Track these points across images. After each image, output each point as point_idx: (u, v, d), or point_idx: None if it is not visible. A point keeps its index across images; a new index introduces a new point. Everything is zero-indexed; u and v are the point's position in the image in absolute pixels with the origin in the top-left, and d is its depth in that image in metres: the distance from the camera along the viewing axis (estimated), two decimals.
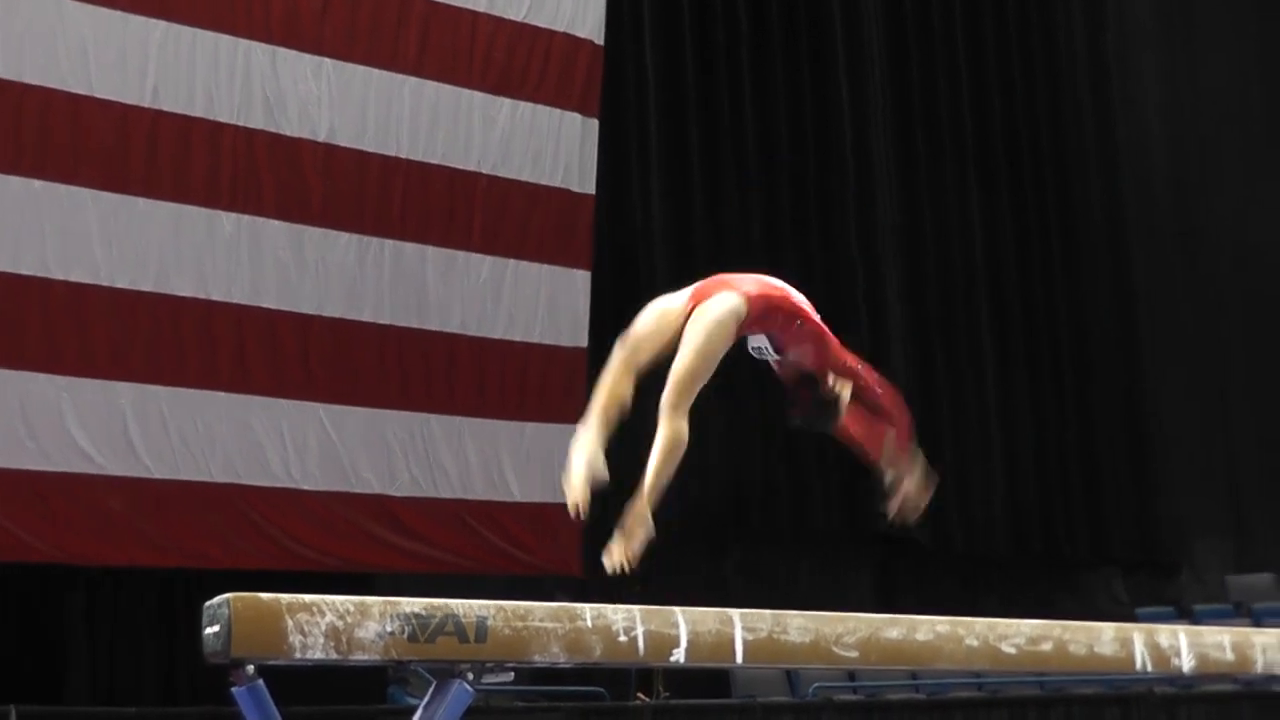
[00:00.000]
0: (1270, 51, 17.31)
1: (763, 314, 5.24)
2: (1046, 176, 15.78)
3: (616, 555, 5.01)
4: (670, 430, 5.17)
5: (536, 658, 4.13)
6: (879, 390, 5.35)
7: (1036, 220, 15.65)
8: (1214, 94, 16.97)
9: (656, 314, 5.35)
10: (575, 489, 5.05)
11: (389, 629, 3.87)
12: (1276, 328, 16.37)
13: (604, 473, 5.09)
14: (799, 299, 5.32)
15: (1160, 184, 16.60)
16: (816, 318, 5.30)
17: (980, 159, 15.39)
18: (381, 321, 11.41)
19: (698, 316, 5.21)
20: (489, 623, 4.01)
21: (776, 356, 5.35)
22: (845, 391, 5.23)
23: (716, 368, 5.23)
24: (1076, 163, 15.96)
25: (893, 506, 5.48)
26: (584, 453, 5.11)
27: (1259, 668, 5.62)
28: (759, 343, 5.33)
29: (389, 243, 11.42)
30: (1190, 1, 17.05)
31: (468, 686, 4.02)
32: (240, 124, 10.83)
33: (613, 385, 5.21)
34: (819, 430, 5.31)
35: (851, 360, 5.32)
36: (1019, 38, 15.83)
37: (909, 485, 5.46)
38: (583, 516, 5.07)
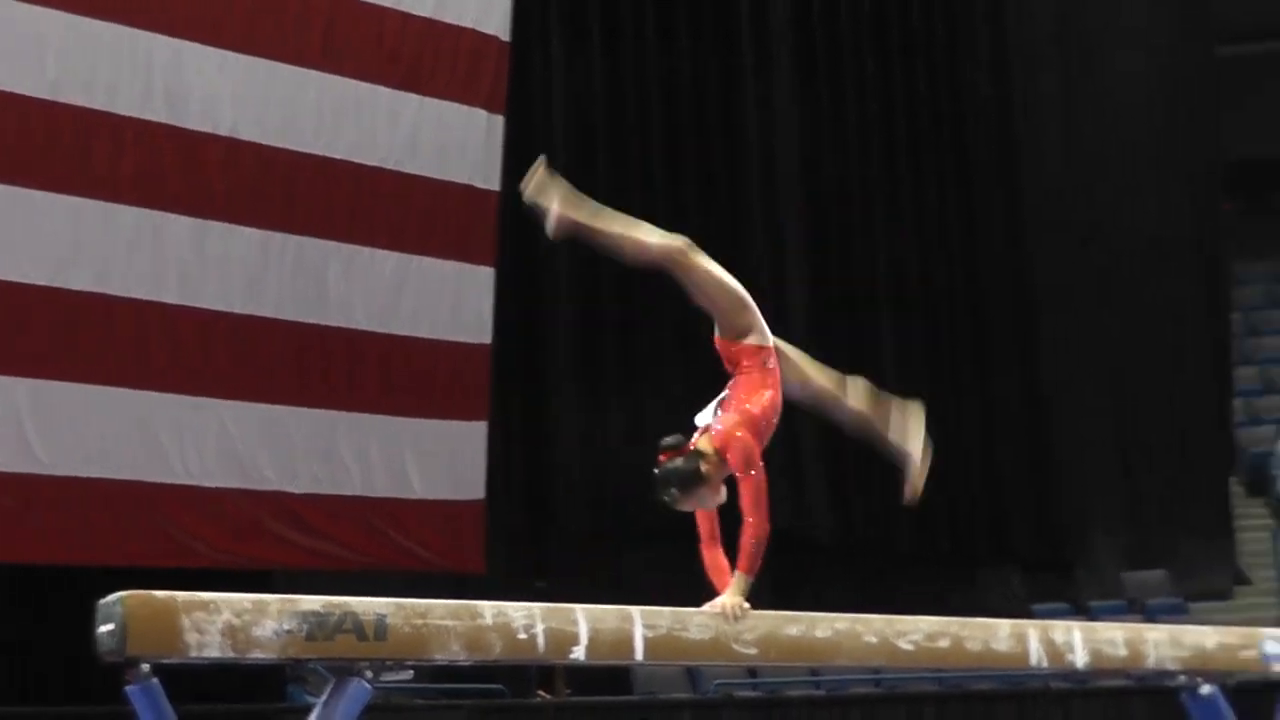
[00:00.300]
0: (1162, 51, 17.58)
1: (754, 363, 5.48)
2: (948, 175, 15.93)
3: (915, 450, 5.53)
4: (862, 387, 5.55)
5: (436, 655, 4.12)
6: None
7: (937, 218, 15.80)
8: (1111, 93, 17.20)
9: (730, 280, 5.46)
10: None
11: (287, 627, 3.85)
12: (1172, 327, 16.62)
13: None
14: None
15: (1060, 183, 16.79)
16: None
17: (884, 157, 15.51)
18: (284, 317, 11.31)
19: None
20: (388, 621, 4.00)
21: (710, 419, 5.34)
22: (715, 479, 5.12)
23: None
24: (978, 162, 16.12)
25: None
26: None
27: (1151, 663, 5.72)
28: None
29: (292, 238, 11.33)
30: (1088, 4, 17.26)
31: (366, 684, 4.01)
32: (142, 117, 10.70)
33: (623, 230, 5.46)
34: (660, 496, 5.19)
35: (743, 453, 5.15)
36: (923, 36, 15.96)
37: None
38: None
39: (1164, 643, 5.71)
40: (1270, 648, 6.10)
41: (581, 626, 4.34)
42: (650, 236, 5.42)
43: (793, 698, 12.14)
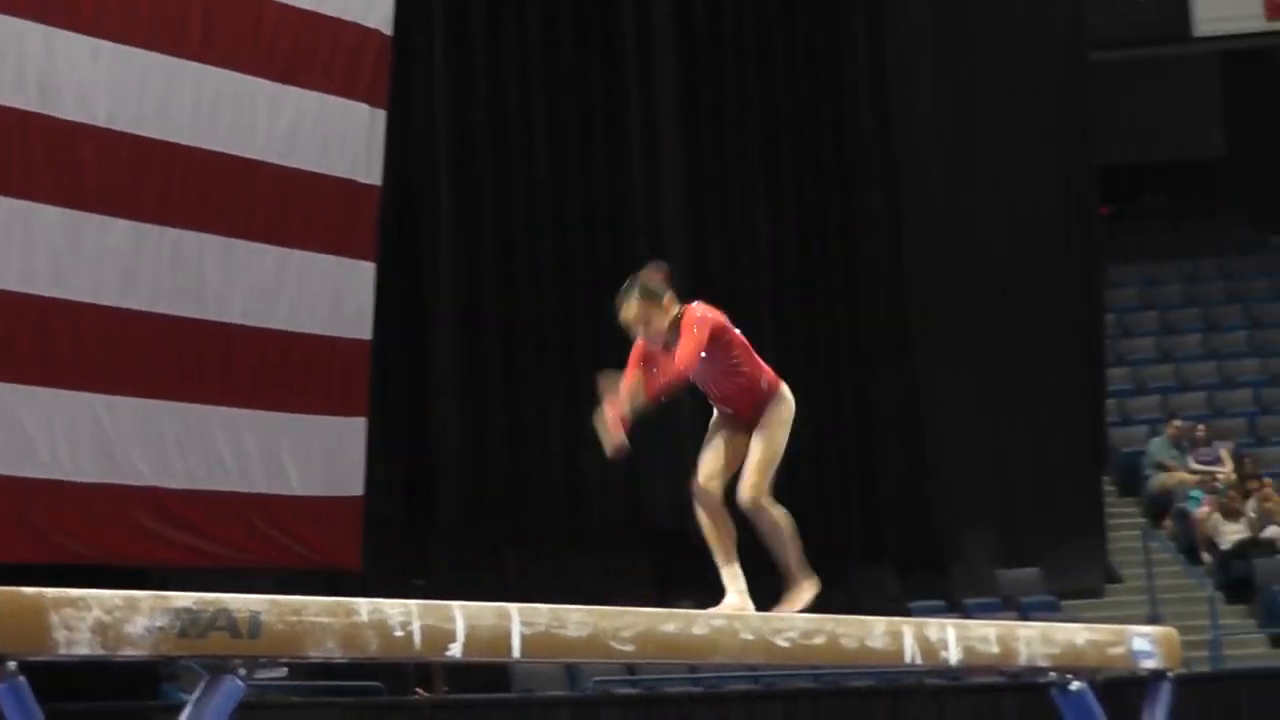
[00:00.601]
0: (1036, 57, 17.81)
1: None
2: (828, 177, 16.03)
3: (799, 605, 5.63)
4: (780, 512, 5.87)
5: (311, 653, 4.08)
6: None
7: (819, 222, 15.90)
8: (987, 98, 17.40)
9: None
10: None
11: (158, 624, 3.79)
12: (1046, 329, 16.85)
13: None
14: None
15: (937, 187, 16.96)
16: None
17: (765, 161, 15.59)
18: (158, 310, 11.16)
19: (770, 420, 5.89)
20: (262, 618, 3.95)
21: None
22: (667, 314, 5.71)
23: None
24: (857, 165, 16.23)
25: None
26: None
27: (1022, 660, 5.79)
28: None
29: (168, 230, 11.18)
30: (965, 14, 17.43)
31: (239, 682, 3.96)
32: (13, 106, 10.51)
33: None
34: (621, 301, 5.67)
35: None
36: (803, 43, 16.06)
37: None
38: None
39: (1035, 640, 5.79)
40: (1139, 645, 6.21)
41: (458, 624, 4.31)
42: (773, 512, 5.90)
43: (671, 695, 12.18)
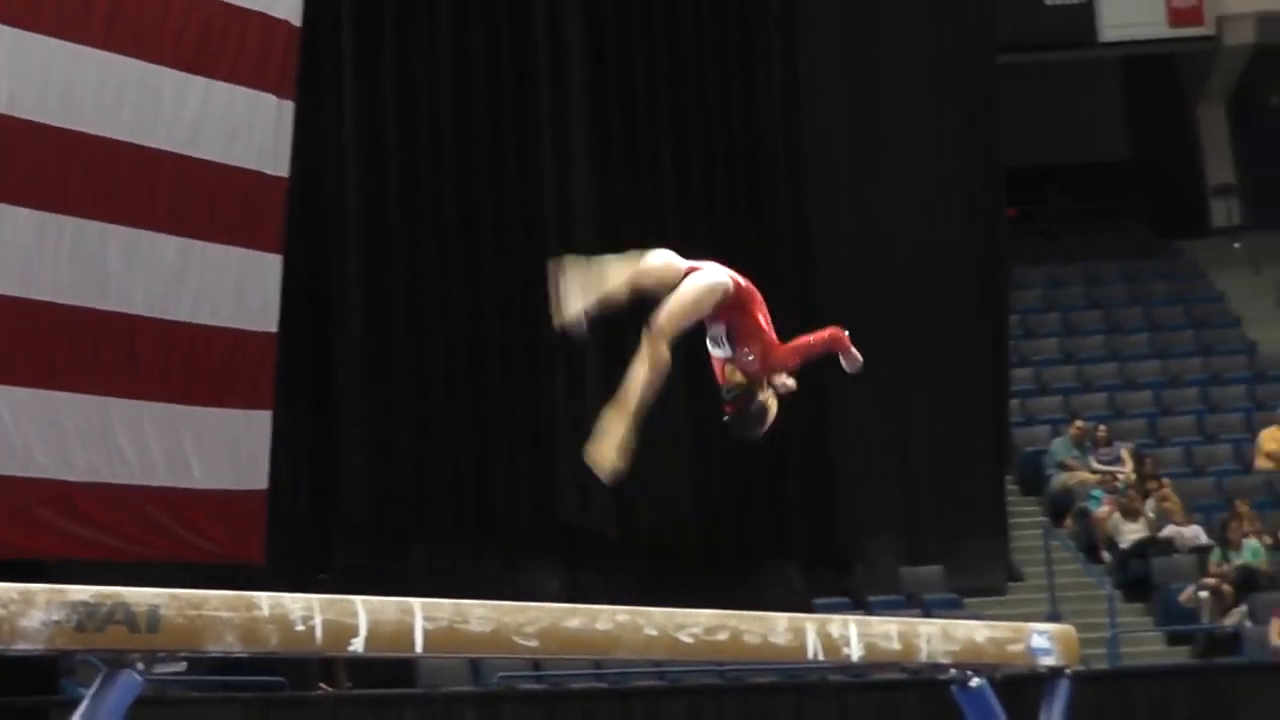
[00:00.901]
0: (944, 59, 17.97)
1: (738, 302, 5.84)
2: (738, 182, 16.06)
3: (605, 452, 5.78)
4: (658, 350, 5.76)
5: (210, 647, 4.04)
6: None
7: (727, 222, 15.91)
8: (895, 100, 17.54)
9: (664, 260, 5.90)
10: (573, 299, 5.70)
11: (55, 618, 3.74)
12: (952, 329, 16.99)
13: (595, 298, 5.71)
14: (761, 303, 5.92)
15: (844, 188, 17.05)
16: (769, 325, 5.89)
17: (675, 159, 15.60)
18: (59, 301, 11.02)
19: (696, 277, 5.80)
20: (161, 612, 3.91)
21: (729, 352, 5.90)
22: (773, 404, 5.88)
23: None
24: (766, 169, 16.27)
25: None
26: (580, 281, 5.72)
27: (923, 657, 5.84)
28: (718, 332, 5.91)
29: (69, 220, 11.04)
30: (875, 16, 17.55)
31: (137, 676, 3.92)
32: None
33: (618, 278, 5.79)
34: (747, 436, 5.96)
35: (784, 354, 5.89)
36: (715, 44, 16.08)
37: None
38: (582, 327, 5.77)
39: (936, 637, 5.84)
40: (1037, 642, 6.28)
41: (361, 619, 4.29)
42: (653, 346, 5.84)
43: (576, 690, 12.18)
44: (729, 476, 15.56)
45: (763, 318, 5.87)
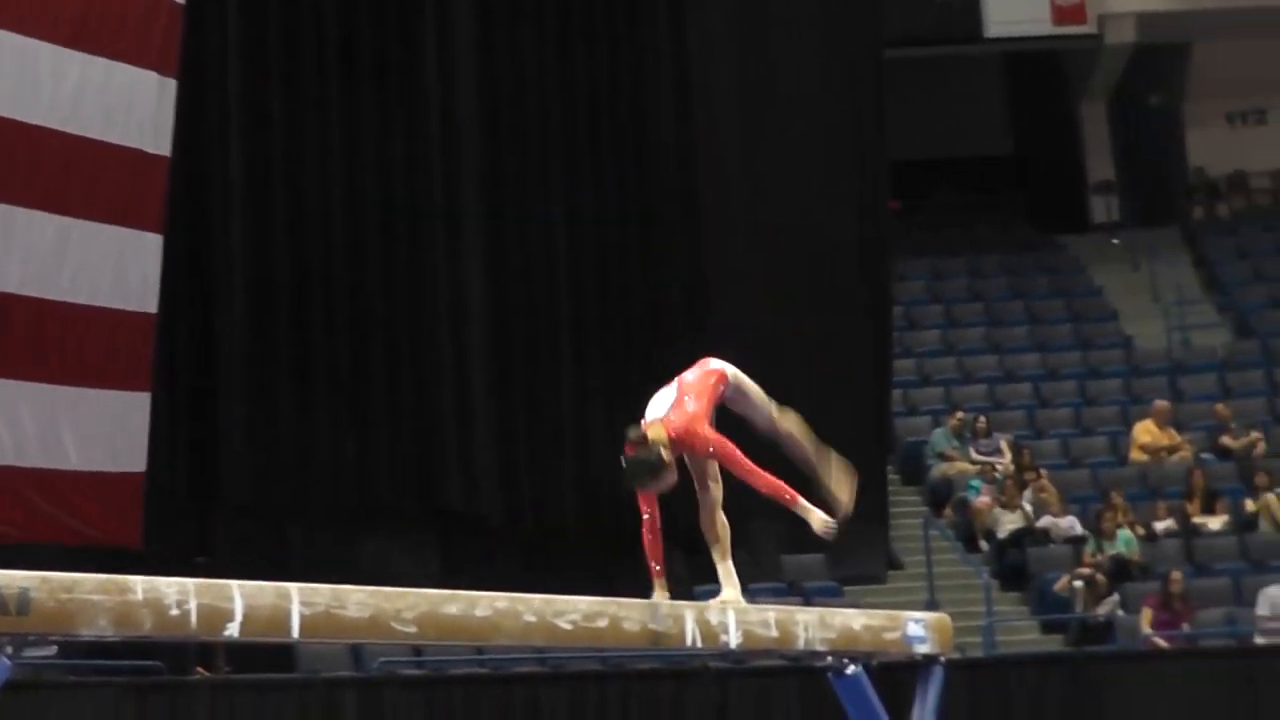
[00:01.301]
0: (832, 52, 18.11)
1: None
2: (627, 167, 16.07)
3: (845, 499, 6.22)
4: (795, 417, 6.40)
5: (83, 631, 3.99)
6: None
7: (618, 214, 15.92)
8: (784, 93, 17.63)
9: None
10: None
11: None
12: (836, 320, 17.11)
13: None
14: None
15: (734, 179, 17.11)
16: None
17: (564, 143, 15.58)
18: None
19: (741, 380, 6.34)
20: (32, 594, 3.86)
21: (664, 411, 6.10)
22: (673, 471, 5.96)
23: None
24: (655, 154, 16.29)
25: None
26: None
27: (801, 644, 5.89)
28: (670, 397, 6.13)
29: None
30: (764, 8, 17.62)
31: (5, 659, 3.87)
32: None
33: None
34: (635, 483, 5.97)
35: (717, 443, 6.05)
36: (606, 32, 16.07)
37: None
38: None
39: (814, 624, 5.90)
40: (913, 630, 6.36)
41: (236, 603, 4.25)
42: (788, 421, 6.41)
43: (457, 676, 12.14)
44: (613, 464, 15.55)
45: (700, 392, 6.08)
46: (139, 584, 4.09)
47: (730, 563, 6.06)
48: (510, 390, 14.70)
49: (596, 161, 15.88)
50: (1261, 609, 14.61)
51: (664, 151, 16.33)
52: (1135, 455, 18.19)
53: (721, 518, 6.17)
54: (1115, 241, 24.69)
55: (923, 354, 21.03)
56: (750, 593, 15.59)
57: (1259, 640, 14.34)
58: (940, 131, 25.91)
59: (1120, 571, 15.52)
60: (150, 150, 11.96)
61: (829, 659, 6.24)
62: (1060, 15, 24.08)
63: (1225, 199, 24.76)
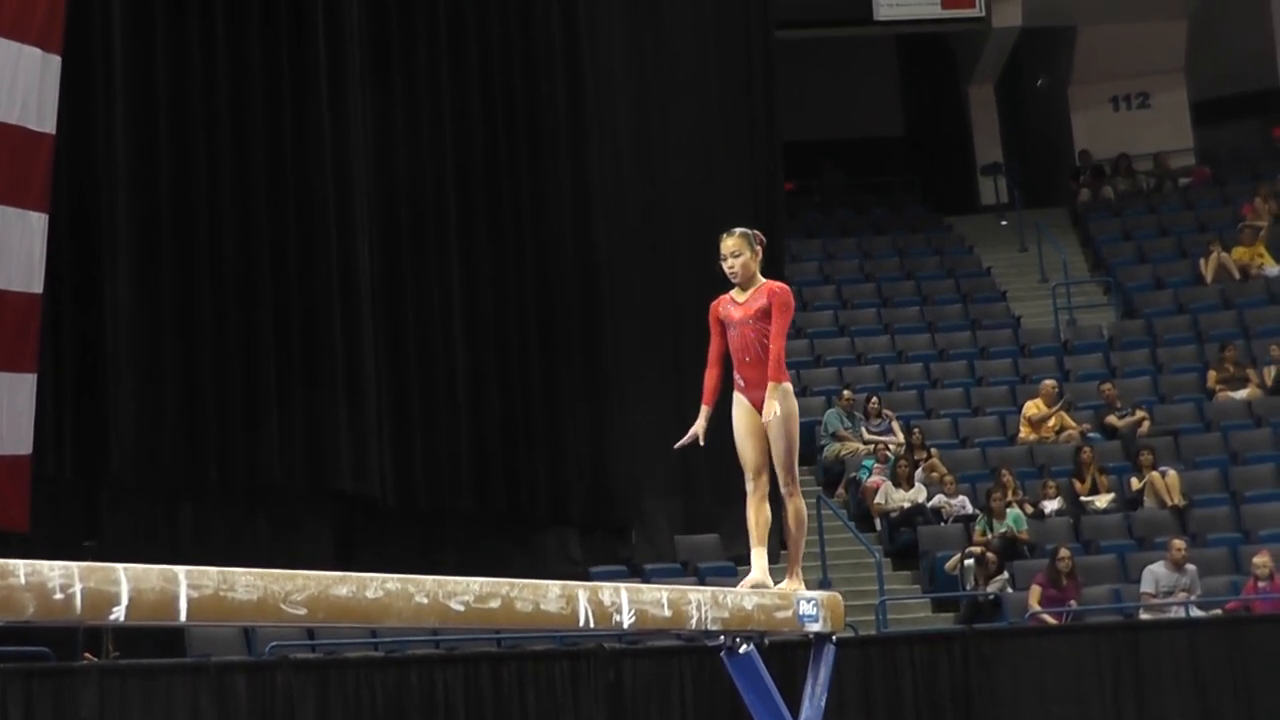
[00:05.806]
0: (725, 34, 18.16)
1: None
2: (520, 151, 16.00)
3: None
4: (795, 507, 6.60)
5: None
6: None
7: (512, 198, 15.87)
8: (677, 74, 17.66)
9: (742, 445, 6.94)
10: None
11: None
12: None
13: None
14: None
15: (626, 161, 17.12)
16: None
17: (455, 127, 15.49)
18: None
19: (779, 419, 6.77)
20: None
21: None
22: (758, 251, 7.01)
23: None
24: (547, 140, 16.24)
25: None
26: None
27: (694, 623, 5.91)
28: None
29: None
30: None
31: None
32: None
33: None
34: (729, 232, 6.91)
35: None
36: (497, 13, 15.99)
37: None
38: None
39: (706, 604, 5.91)
40: (805, 609, 6.41)
41: (122, 586, 4.18)
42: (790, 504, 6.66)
43: (351, 659, 12.09)
44: (507, 443, 15.55)
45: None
46: (21, 567, 4.02)
47: (763, 548, 6.49)
48: (402, 370, 14.62)
49: (489, 141, 15.80)
50: (1146, 585, 14.88)
51: (556, 133, 16.29)
52: (1024, 434, 18.43)
53: (766, 510, 6.59)
54: (1004, 223, 24.98)
55: (816, 334, 21.16)
56: (646, 574, 15.68)
57: (1144, 616, 14.60)
58: (833, 113, 26.08)
59: (1009, 549, 15.73)
60: (34, 128, 11.77)
61: (722, 638, 6.27)
62: None
63: (1110, 181, 25.12)
